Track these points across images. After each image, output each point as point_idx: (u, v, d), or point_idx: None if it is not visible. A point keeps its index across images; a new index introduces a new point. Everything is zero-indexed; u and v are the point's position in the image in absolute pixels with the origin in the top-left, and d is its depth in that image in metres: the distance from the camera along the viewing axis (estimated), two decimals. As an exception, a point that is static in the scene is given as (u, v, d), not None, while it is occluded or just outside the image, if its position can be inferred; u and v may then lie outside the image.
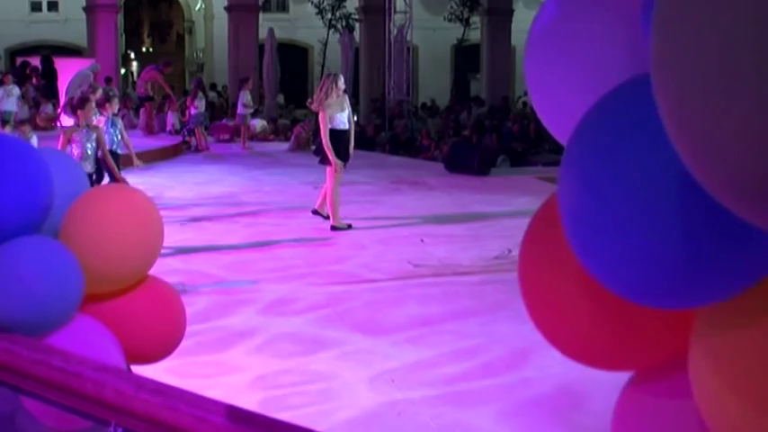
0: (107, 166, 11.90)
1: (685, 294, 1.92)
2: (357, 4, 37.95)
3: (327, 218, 12.81)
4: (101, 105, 12.55)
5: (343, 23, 37.77)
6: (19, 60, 29.16)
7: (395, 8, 32.60)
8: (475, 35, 40.09)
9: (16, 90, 22.81)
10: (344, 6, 38.66)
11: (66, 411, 2.26)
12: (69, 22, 40.31)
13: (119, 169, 13.57)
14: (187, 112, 24.65)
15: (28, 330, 2.95)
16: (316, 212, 13.08)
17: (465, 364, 7.13)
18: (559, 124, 2.30)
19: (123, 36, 42.18)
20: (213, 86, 36.92)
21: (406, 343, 7.66)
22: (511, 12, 39.11)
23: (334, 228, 12.57)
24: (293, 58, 41.70)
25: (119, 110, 16.34)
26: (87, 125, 11.81)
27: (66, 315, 3.16)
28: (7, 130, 17.99)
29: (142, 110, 27.20)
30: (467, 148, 20.62)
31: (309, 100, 13.17)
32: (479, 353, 7.37)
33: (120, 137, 12.62)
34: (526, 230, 2.50)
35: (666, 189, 1.83)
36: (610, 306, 2.16)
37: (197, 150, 23.84)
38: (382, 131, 28.41)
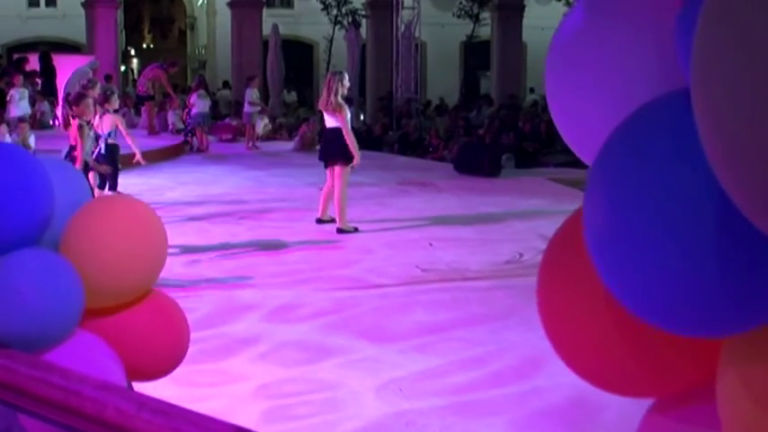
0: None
1: (716, 323, 1.90)
2: (364, 0, 37.97)
3: (332, 221, 12.81)
4: (100, 103, 12.58)
5: (350, 19, 37.79)
6: (16, 58, 29.10)
7: (402, 4, 32.64)
8: (485, 31, 40.08)
9: (27, 92, 22.73)
10: (351, 2, 38.70)
11: (65, 431, 2.26)
12: (68, 17, 40.38)
13: (119, 168, 13.63)
14: (187, 111, 24.67)
15: (26, 346, 2.94)
16: (320, 221, 13.08)
17: (474, 373, 7.12)
18: (582, 141, 2.28)
19: (123, 32, 42.21)
20: (226, 84, 36.92)
21: (414, 351, 7.65)
22: (522, 7, 39.11)
23: (340, 230, 12.57)
24: (298, 55, 41.72)
25: (119, 108, 16.40)
26: (87, 121, 11.93)
27: (65, 330, 3.16)
28: (3, 129, 17.96)
29: (143, 109, 27.22)
30: (477, 148, 20.62)
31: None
32: (489, 361, 7.36)
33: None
34: (547, 247, 2.47)
35: (697, 214, 1.80)
36: (634, 331, 2.14)
37: (198, 151, 23.86)
38: (390, 131, 28.40)
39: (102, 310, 3.34)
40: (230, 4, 36.84)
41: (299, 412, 6.39)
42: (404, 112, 30.21)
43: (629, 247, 1.91)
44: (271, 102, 32.22)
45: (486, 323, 8.38)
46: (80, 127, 12.00)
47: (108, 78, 28.71)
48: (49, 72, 26.18)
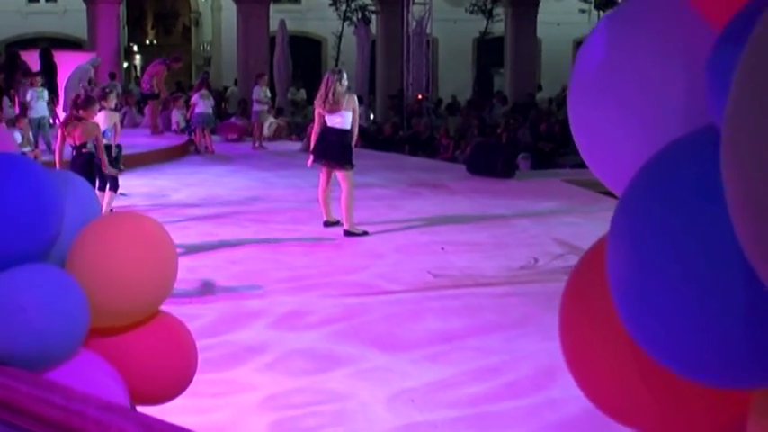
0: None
1: (743, 375, 1.88)
2: (373, -5, 38.00)
3: (339, 223, 12.79)
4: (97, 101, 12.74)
5: (359, 15, 37.77)
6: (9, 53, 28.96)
7: (413, -1, 32.66)
8: (498, 27, 40.08)
9: (46, 92, 22.65)
10: (360, -4, 38.73)
11: (68, 452, 2.25)
12: (69, 13, 40.42)
13: (121, 168, 13.70)
14: (190, 111, 24.65)
15: (28, 365, 2.93)
16: (328, 224, 13.06)
17: (488, 383, 7.10)
18: (610, 173, 2.26)
19: (126, 28, 42.21)
20: (237, 82, 36.91)
21: (426, 360, 7.64)
22: (537, 3, 39.06)
23: (348, 233, 12.56)
24: (305, 52, 41.71)
25: (120, 106, 16.46)
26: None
27: (69, 350, 3.14)
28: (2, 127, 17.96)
29: (147, 107, 27.22)
30: (490, 148, 20.56)
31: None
32: (504, 371, 7.34)
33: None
34: (570, 277, 2.44)
35: (726, 262, 1.76)
36: (658, 374, 2.11)
37: (197, 152, 23.81)
38: (400, 130, 28.37)
39: (107, 329, 3.33)
40: (236, -1, 36.90)
41: (308, 424, 6.38)
42: (414, 111, 30.18)
43: (653, 294, 1.88)
44: (277, 100, 32.20)
45: (501, 331, 8.36)
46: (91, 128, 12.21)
47: (112, 76, 28.78)
48: (50, 69, 26.10)
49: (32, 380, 2.42)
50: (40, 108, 21.63)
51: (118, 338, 3.37)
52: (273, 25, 34.48)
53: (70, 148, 12.67)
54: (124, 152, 14.51)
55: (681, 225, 1.83)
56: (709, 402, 2.14)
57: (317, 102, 12.95)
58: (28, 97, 21.68)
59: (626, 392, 2.26)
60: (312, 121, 15.03)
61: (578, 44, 45.08)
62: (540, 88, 39.01)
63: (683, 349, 1.89)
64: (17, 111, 22.34)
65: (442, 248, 11.76)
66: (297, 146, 25.21)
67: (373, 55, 36.49)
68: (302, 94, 37.61)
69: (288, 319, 8.82)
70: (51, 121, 22.81)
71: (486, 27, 40.60)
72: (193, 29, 49.45)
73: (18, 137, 18.50)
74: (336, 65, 38.24)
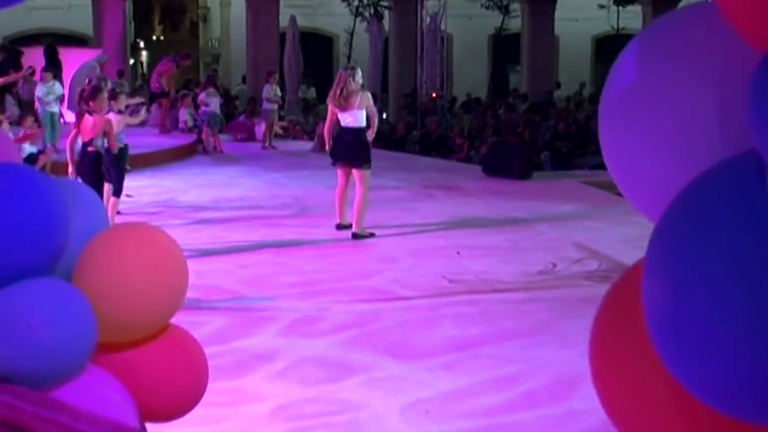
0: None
1: None
2: (386, -10, 37.94)
3: (351, 227, 12.78)
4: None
5: (372, 11, 37.72)
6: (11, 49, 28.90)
7: (428, -6, 32.63)
8: (515, 24, 39.99)
9: (58, 87, 22.65)
10: (373, -8, 38.68)
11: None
12: (74, 8, 40.41)
13: (127, 169, 13.74)
14: (198, 109, 24.66)
15: (33, 383, 2.92)
16: (340, 227, 13.05)
17: (506, 393, 7.08)
18: (642, 198, 2.24)
19: (132, 23, 42.26)
20: (245, 79, 36.90)
21: (441, 369, 7.62)
22: (555, -2, 39.03)
23: (355, 235, 12.56)
24: (316, 49, 41.69)
25: (126, 106, 16.46)
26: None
27: (76, 367, 3.12)
28: (5, 128, 17.97)
29: (155, 106, 27.21)
30: (506, 149, 20.53)
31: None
32: (521, 381, 7.32)
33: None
34: (603, 301, 2.42)
35: (766, 297, 1.75)
36: (692, 408, 2.08)
37: (206, 152, 23.82)
38: (414, 130, 28.34)
39: (115, 345, 3.31)
40: (245, -6, 36.86)
41: (320, 435, 6.38)
42: (429, 110, 30.14)
43: (689, 328, 1.85)
44: (287, 98, 32.16)
45: (518, 339, 8.34)
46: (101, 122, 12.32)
47: (120, 74, 28.75)
48: (55, 66, 26.10)
49: (38, 399, 2.41)
50: (52, 104, 21.66)
51: (126, 354, 3.36)
52: (283, 21, 34.44)
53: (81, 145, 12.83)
54: (130, 152, 14.50)
55: (718, 257, 1.80)
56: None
57: (330, 98, 12.97)
58: (39, 93, 21.70)
59: (658, 424, 2.23)
60: (323, 119, 15.03)
61: (597, 41, 45.15)
62: (557, 86, 38.91)
63: (720, 384, 1.86)
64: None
65: (458, 252, 11.75)
66: (308, 146, 25.21)
67: (386, 52, 36.45)
68: (312, 92, 37.57)
69: (299, 325, 8.81)
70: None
71: (503, 23, 40.51)
72: (201, 25, 49.46)
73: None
74: (348, 62, 38.13)
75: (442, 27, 32.77)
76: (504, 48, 41.78)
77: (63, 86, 25.38)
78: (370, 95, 13.29)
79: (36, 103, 22.09)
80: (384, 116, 29.97)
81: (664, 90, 2.12)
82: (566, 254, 11.57)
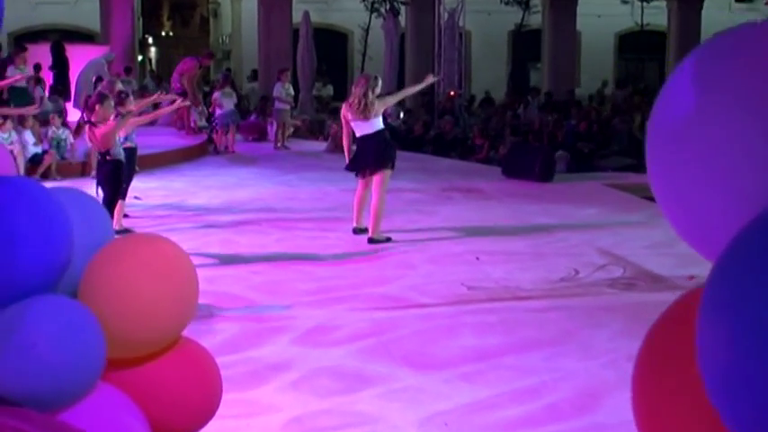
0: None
1: None
2: (403, -15, 37.92)
3: (367, 231, 12.78)
4: (114, 105, 12.86)
5: (387, 6, 37.71)
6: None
7: (445, -11, 32.59)
8: (535, 19, 40.01)
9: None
10: (389, -13, 38.67)
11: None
12: (81, 3, 40.51)
13: (135, 169, 13.78)
14: (212, 108, 24.64)
15: (41, 405, 2.91)
16: (357, 231, 13.06)
17: (527, 405, 7.06)
18: (695, 235, 2.20)
19: (140, 19, 42.32)
20: (255, 74, 36.88)
21: (461, 380, 7.60)
22: (576, -7, 39.00)
23: (372, 240, 12.56)
24: (330, 45, 41.68)
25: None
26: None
27: (85, 387, 3.12)
28: (9, 125, 18.03)
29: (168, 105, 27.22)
30: (527, 150, 20.49)
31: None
32: (544, 393, 7.30)
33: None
34: (649, 334, 2.39)
35: None
36: None
37: (217, 152, 23.83)
38: (431, 129, 28.31)
39: (125, 361, 3.31)
40: (257, -11, 36.87)
41: (336, 449, 6.38)
42: (447, 109, 30.10)
43: (747, 375, 1.81)
44: (301, 96, 32.15)
45: (540, 349, 8.31)
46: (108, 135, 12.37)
47: (128, 71, 28.77)
48: (62, 64, 26.17)
49: (45, 422, 2.40)
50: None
51: (137, 370, 3.35)
52: (296, 17, 34.46)
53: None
54: (138, 152, 14.52)
55: None
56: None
57: (345, 106, 12.95)
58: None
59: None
60: (337, 119, 15.02)
61: (620, 37, 45.09)
62: (579, 84, 38.87)
63: None
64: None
65: (477, 258, 11.73)
66: (322, 146, 25.22)
67: (402, 49, 36.43)
68: (329, 89, 37.58)
69: (313, 334, 8.80)
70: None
71: (523, 19, 40.54)
72: (212, 20, 49.54)
73: (30, 137, 18.58)
74: (363, 59, 38.25)
75: (461, 23, 32.71)
76: (524, 44, 41.75)
77: (70, 84, 25.49)
78: (384, 99, 13.28)
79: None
80: (401, 115, 29.91)
81: (724, 117, 2.05)
82: (589, 260, 11.55)
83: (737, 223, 1.94)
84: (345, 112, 12.93)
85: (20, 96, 21.99)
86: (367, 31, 38.70)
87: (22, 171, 15.90)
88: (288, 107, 25.35)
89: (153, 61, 50.97)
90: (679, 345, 2.14)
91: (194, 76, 26.34)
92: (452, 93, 32.09)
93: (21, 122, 18.94)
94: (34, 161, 18.39)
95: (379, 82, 13.00)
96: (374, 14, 38.54)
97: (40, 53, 26.59)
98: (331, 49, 41.42)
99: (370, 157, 12.72)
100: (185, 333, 3.79)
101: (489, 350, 8.29)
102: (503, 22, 42.31)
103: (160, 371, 3.39)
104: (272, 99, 25.88)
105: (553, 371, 7.74)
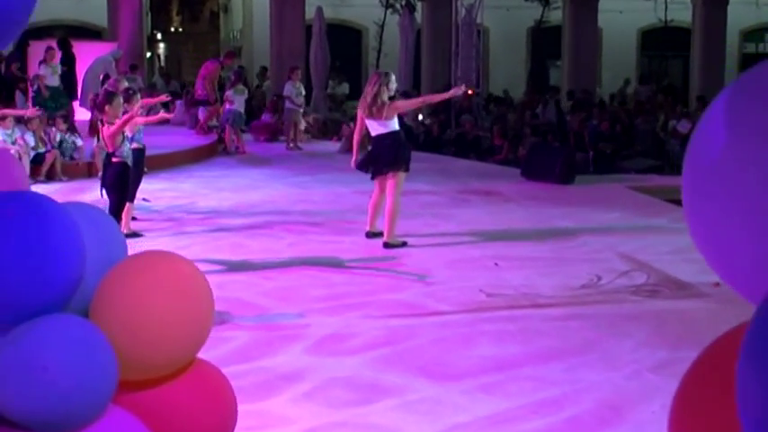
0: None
1: None
2: (419, -20, 37.90)
3: (382, 235, 12.77)
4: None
5: (403, 2, 37.68)
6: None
7: (463, -15, 32.53)
8: (555, 16, 39.92)
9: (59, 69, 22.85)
10: (404, -18, 38.64)
11: None
12: (87, -2, 40.57)
13: (144, 170, 13.79)
14: (223, 107, 24.65)
15: (50, 428, 2.90)
16: (371, 235, 13.05)
17: (548, 418, 7.04)
18: (734, 277, 2.17)
19: (149, 14, 42.36)
20: (264, 70, 36.87)
21: (479, 391, 7.58)
22: (598, -11, 38.92)
23: (387, 245, 12.56)
24: (345, 42, 41.62)
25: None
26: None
27: (96, 410, 3.11)
28: (10, 123, 18.09)
29: (179, 103, 27.35)
30: (547, 151, 20.43)
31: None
32: (564, 405, 7.27)
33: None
34: (685, 380, 2.37)
35: None
36: None
37: (227, 152, 23.85)
38: (448, 129, 28.29)
39: (138, 383, 3.30)
40: (269, -16, 36.82)
41: (350, 463, 6.37)
42: (465, 108, 30.07)
43: None
44: (314, 95, 32.14)
45: (561, 359, 8.29)
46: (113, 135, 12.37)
47: (133, 68, 28.81)
48: (69, 61, 26.17)
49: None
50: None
51: (150, 393, 3.33)
52: (310, 13, 34.44)
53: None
54: (147, 152, 14.53)
55: None
56: None
57: (360, 104, 12.95)
58: (41, 72, 21.95)
59: None
60: (352, 118, 15.03)
61: (643, 34, 44.98)
62: (600, 83, 38.79)
63: None
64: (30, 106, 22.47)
65: (496, 264, 11.72)
66: (335, 146, 25.21)
67: (418, 46, 36.39)
68: (344, 87, 37.56)
69: (327, 343, 8.79)
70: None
71: (543, 15, 40.46)
72: (222, 15, 49.56)
73: (31, 139, 18.62)
74: (378, 56, 38.23)
75: (478, 19, 32.64)
76: (543, 41, 41.67)
77: (77, 82, 25.53)
78: (401, 103, 13.30)
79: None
80: (419, 117, 29.88)
81: (763, 155, 2.02)
82: (611, 266, 11.52)
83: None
84: (360, 110, 12.95)
85: (54, 96, 22.03)
86: (382, 27, 38.62)
87: (27, 171, 15.92)
88: (300, 109, 25.25)
89: (162, 58, 51.05)
90: (718, 388, 2.11)
91: (215, 78, 26.28)
92: (470, 91, 32.04)
93: (25, 124, 19.00)
94: (36, 161, 18.43)
95: (392, 78, 12.96)
96: (389, 10, 38.48)
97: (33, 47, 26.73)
98: (345, 46, 41.32)
99: (383, 158, 12.70)
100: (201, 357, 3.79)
101: (508, 360, 8.27)
102: (522, 18, 42.22)
103: (173, 394, 3.38)
104: (283, 97, 25.87)
105: (574, 382, 7.72)
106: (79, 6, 41.33)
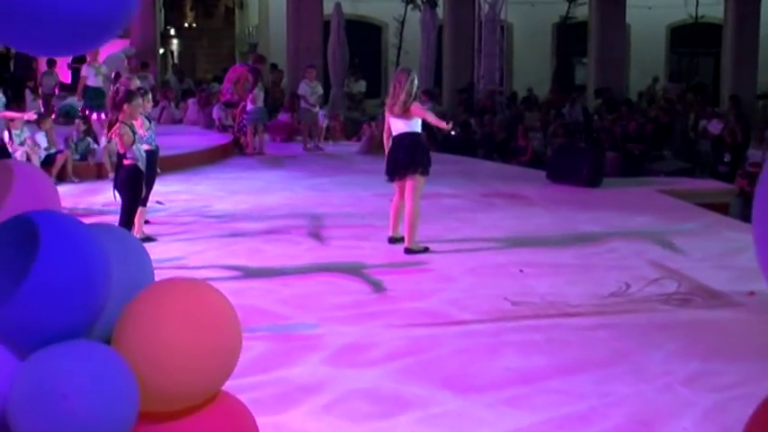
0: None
1: None
2: (441, -25, 37.86)
3: (403, 240, 12.76)
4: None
5: (424, -3, 37.69)
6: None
7: (486, -20, 32.53)
8: (582, 11, 39.82)
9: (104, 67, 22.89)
10: (426, -23, 38.61)
11: None
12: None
13: (157, 172, 13.81)
14: (243, 107, 24.58)
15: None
16: (393, 240, 13.05)
17: (576, 433, 7.04)
18: None
19: (162, 10, 42.43)
20: (274, 67, 36.85)
21: (504, 405, 7.56)
22: (625, -16, 38.84)
23: (408, 251, 12.55)
24: (364, 39, 41.58)
25: (158, 102, 16.63)
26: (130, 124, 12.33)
27: (115, 440, 3.10)
28: (19, 123, 18.13)
29: (191, 101, 27.46)
30: (574, 152, 20.35)
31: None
32: (593, 419, 7.25)
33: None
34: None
35: None
36: None
37: (244, 152, 23.85)
38: (470, 130, 28.25)
39: (159, 415, 3.28)
40: (286, -22, 36.81)
41: (371, 480, 6.36)
42: (487, 108, 30.02)
43: None
44: (332, 93, 32.11)
45: (589, 371, 8.26)
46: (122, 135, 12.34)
47: (145, 66, 28.87)
48: (80, 59, 26.21)
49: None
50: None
51: (171, 425, 3.32)
52: (328, 8, 34.43)
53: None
54: (160, 153, 14.52)
55: None
56: None
57: (388, 103, 12.94)
58: (83, 73, 21.97)
59: None
60: (372, 118, 15.02)
61: (673, 30, 44.85)
62: (628, 81, 38.70)
63: None
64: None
65: (521, 271, 11.68)
66: (354, 147, 25.19)
67: (440, 43, 36.35)
68: (361, 85, 37.50)
69: (347, 353, 8.78)
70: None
71: (568, 11, 40.36)
72: (237, 11, 49.63)
73: (43, 140, 18.67)
74: (398, 53, 38.19)
75: (502, 15, 32.69)
76: (569, 38, 41.58)
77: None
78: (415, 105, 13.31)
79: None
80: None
81: None
82: (640, 273, 11.47)
83: None
84: (387, 110, 12.98)
85: (95, 96, 22.11)
86: (402, 23, 38.59)
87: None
88: (315, 108, 25.14)
89: (175, 54, 51.12)
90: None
91: (245, 82, 26.16)
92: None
93: (37, 124, 19.06)
94: (47, 162, 18.46)
95: (414, 74, 12.97)
96: (410, 6, 38.44)
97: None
98: (364, 43, 41.28)
99: (400, 159, 12.68)
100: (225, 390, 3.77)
101: (534, 372, 8.24)
102: (547, 14, 42.11)
103: (195, 427, 3.36)
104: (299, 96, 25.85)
105: (603, 395, 7.69)
106: (90, 2, 41.36)
